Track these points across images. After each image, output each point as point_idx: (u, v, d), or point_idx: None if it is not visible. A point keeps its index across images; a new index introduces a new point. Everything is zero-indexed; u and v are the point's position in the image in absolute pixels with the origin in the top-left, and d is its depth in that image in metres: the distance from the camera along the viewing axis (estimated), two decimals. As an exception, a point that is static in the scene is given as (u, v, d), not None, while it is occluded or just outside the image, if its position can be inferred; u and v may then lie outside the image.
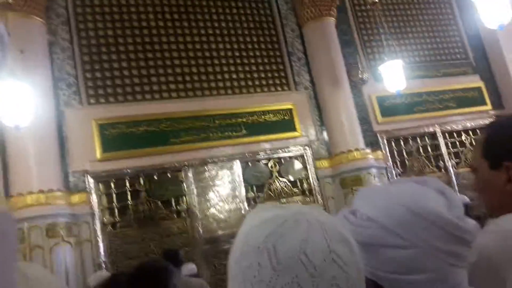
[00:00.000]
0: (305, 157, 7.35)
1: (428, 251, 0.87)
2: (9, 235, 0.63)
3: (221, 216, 6.61)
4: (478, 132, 8.37)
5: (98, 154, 6.26)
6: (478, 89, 8.98)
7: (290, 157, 7.33)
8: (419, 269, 0.87)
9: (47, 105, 5.95)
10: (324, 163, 7.37)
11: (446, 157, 8.24)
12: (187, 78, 7.15)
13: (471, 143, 8.44)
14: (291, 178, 7.25)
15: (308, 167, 7.32)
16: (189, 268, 5.37)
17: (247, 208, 6.76)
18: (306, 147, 7.38)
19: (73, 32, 6.71)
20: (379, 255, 0.89)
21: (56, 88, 6.31)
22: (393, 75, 7.02)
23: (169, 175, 6.59)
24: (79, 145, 6.21)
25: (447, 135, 8.46)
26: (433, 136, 8.35)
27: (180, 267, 4.26)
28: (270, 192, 7.05)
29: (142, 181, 6.43)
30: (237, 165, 6.91)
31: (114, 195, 6.30)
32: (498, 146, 1.33)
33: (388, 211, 0.90)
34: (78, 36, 6.72)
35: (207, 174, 6.72)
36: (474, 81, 9.04)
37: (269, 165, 7.19)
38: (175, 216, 6.49)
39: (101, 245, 5.95)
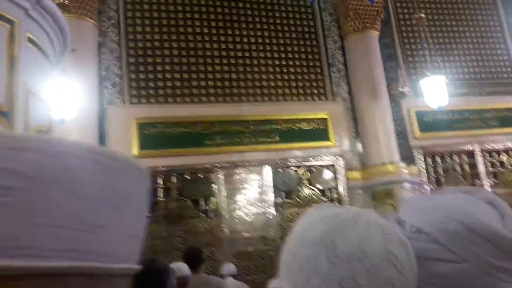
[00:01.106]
0: (337, 167, 7.36)
1: (480, 266, 0.82)
2: (146, 193, 0.68)
3: (248, 219, 6.74)
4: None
5: (135, 151, 6.54)
6: (524, 109, 8.69)
7: (321, 166, 7.36)
8: (469, 284, 0.83)
9: (92, 101, 6.31)
10: (356, 174, 7.36)
11: (483, 176, 8.02)
12: (226, 83, 7.37)
13: None
14: (321, 187, 7.28)
15: (338, 177, 7.32)
16: (228, 268, 5.59)
17: (274, 213, 6.87)
18: (338, 157, 7.40)
19: (122, 35, 7.08)
20: (427, 268, 0.84)
21: (101, 86, 6.68)
22: (435, 90, 6.83)
23: (200, 175, 6.80)
24: (118, 141, 6.49)
25: (486, 154, 8.22)
26: (471, 154, 8.12)
27: (202, 265, 4.42)
28: (299, 199, 7.08)
29: (174, 180, 6.66)
30: (267, 170, 7.01)
31: (146, 191, 6.54)
32: None
33: (440, 224, 0.86)
34: (126, 38, 7.09)
35: (237, 177, 6.88)
36: (521, 101, 8.77)
37: (299, 172, 7.26)
38: (203, 215, 6.66)
39: (130, 237, 6.18)
